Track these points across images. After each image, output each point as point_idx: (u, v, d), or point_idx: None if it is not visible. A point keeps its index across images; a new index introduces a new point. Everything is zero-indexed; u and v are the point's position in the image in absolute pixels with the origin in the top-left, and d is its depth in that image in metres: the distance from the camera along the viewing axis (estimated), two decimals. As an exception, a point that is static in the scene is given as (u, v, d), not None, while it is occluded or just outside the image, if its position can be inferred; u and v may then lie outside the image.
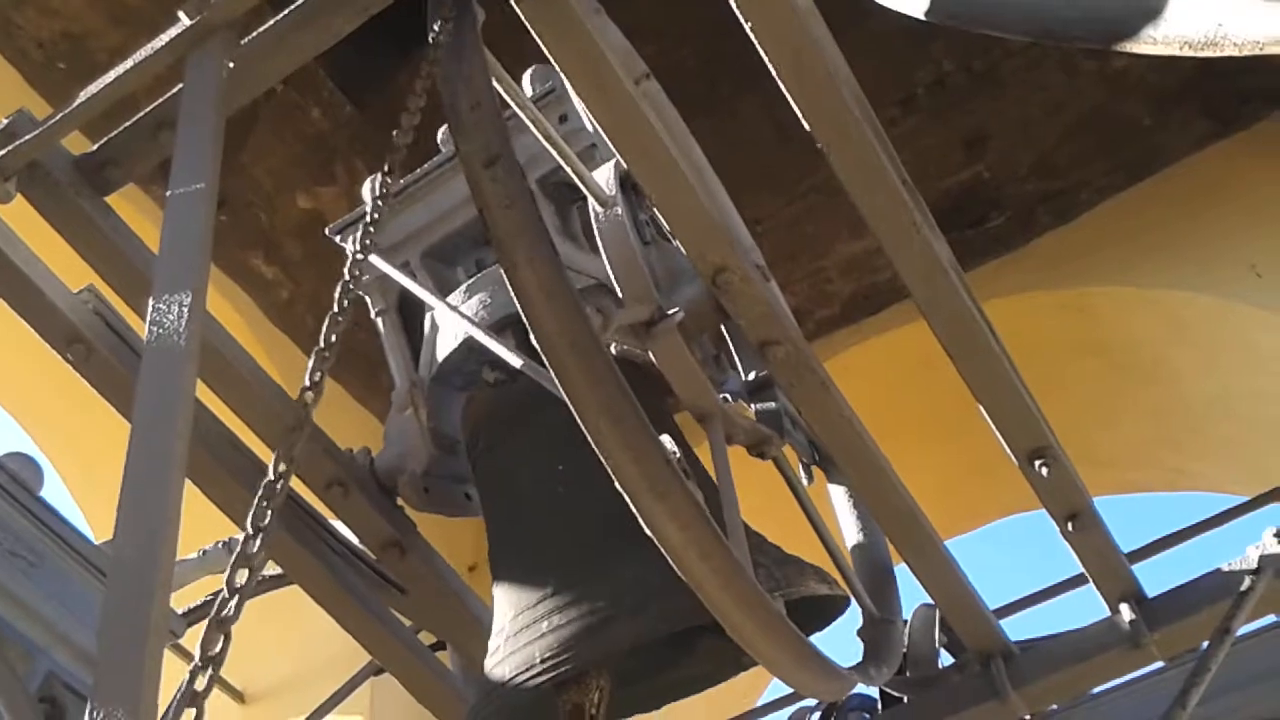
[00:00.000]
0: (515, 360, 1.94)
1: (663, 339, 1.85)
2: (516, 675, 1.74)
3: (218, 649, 1.01)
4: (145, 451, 1.18)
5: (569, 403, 1.51)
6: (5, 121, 1.87)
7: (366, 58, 4.94)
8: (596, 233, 2.03)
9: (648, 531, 1.50)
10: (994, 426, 2.08)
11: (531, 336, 1.53)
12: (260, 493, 1.14)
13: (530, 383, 2.04)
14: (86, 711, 1.01)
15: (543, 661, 1.72)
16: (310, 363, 1.28)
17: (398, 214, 2.31)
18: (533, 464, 2.01)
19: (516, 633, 1.81)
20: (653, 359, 1.89)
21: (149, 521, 1.13)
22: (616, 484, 1.49)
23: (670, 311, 1.89)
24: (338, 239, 2.36)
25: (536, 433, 2.02)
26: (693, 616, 1.59)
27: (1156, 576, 2.36)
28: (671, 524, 1.48)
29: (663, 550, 1.50)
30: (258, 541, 1.09)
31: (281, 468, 1.18)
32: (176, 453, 1.18)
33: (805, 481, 2.20)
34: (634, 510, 1.50)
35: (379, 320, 2.33)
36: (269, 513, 1.13)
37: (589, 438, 1.50)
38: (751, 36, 1.72)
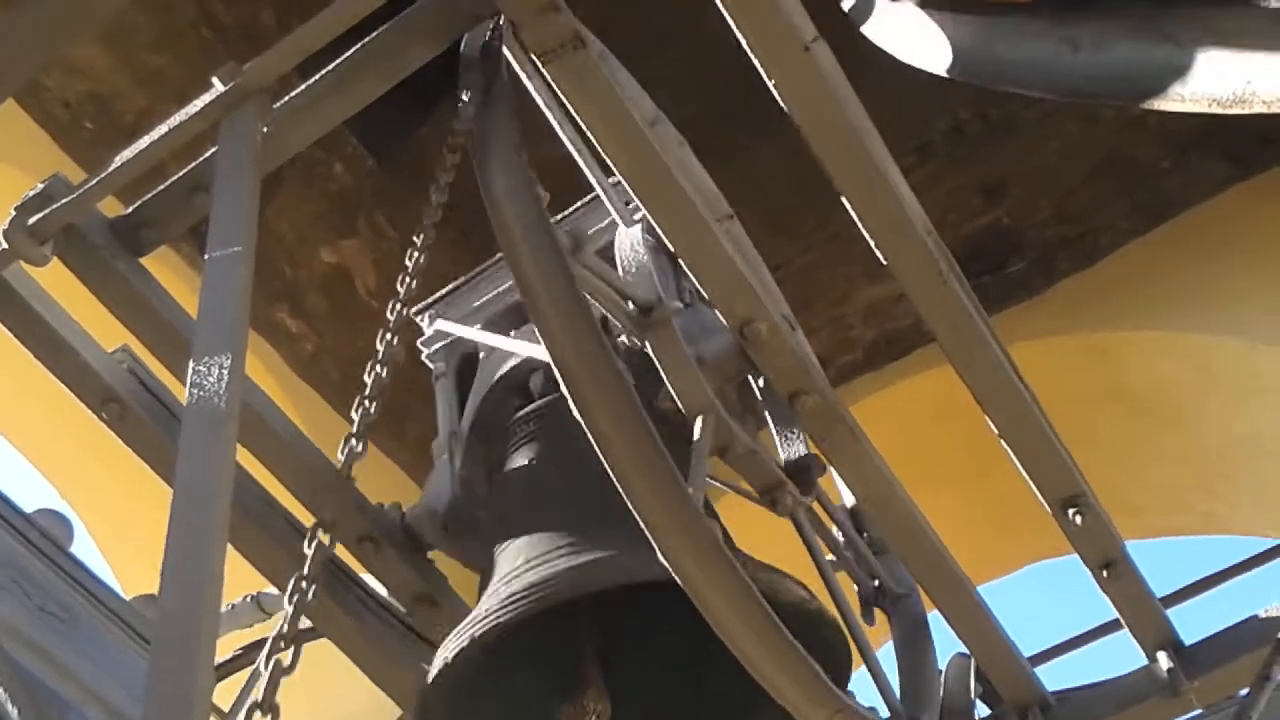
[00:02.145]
0: (532, 349, 1.97)
1: (659, 328, 1.83)
2: (491, 615, 1.73)
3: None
4: (188, 512, 1.20)
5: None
6: (41, 186, 1.90)
7: (388, 113, 5.01)
8: (615, 248, 2.09)
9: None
10: (1025, 474, 2.08)
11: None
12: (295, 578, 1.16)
13: (547, 408, 2.09)
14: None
15: (516, 597, 1.71)
16: (342, 456, 1.30)
17: (474, 286, 2.46)
18: (530, 476, 2.04)
19: (491, 593, 1.82)
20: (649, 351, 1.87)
21: (193, 581, 1.15)
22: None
23: (673, 304, 1.90)
24: (418, 319, 2.49)
25: (541, 452, 2.05)
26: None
27: (1190, 621, 2.34)
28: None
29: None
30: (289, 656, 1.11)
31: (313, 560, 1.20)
32: (219, 513, 1.19)
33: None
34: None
35: (437, 384, 2.39)
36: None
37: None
38: (774, 92, 1.75)
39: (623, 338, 1.90)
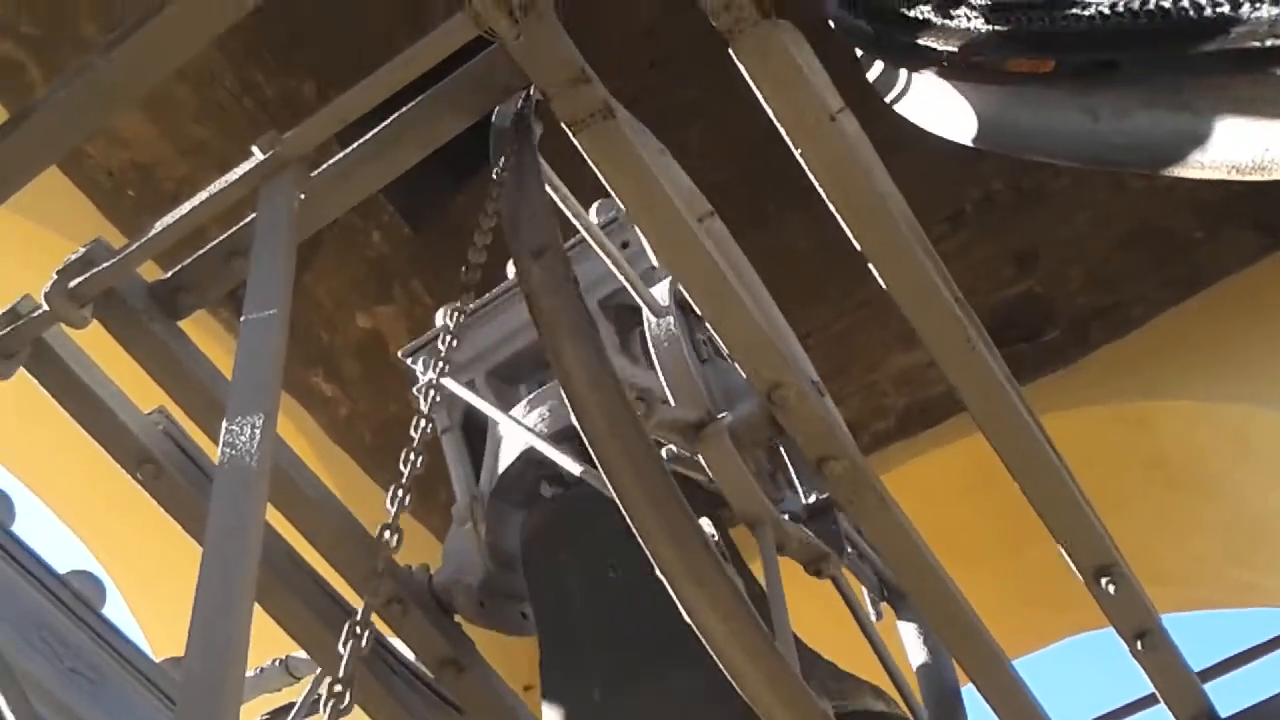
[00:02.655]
0: (574, 467, 1.97)
1: (712, 442, 1.85)
2: None
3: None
4: (216, 574, 1.20)
5: (610, 487, 1.50)
6: (83, 250, 1.94)
7: (425, 181, 5.09)
8: (649, 341, 2.09)
9: (693, 628, 1.47)
10: (1058, 544, 2.06)
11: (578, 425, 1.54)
12: (346, 637, 1.16)
13: (584, 497, 2.08)
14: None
15: None
16: (392, 507, 1.31)
17: (466, 335, 2.43)
18: (583, 575, 2.02)
19: None
20: (703, 464, 1.89)
21: (219, 645, 1.15)
22: (659, 575, 1.47)
23: (720, 416, 1.90)
24: (409, 361, 2.45)
25: (587, 544, 2.04)
26: None
27: (1227, 696, 2.30)
28: (713, 614, 1.45)
29: (707, 647, 1.47)
30: (348, 696, 1.12)
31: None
32: (247, 575, 1.20)
33: (873, 617, 2.18)
34: (677, 602, 1.47)
35: (444, 438, 2.38)
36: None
37: (630, 523, 1.48)
38: (802, 163, 1.77)
39: (670, 446, 1.91)
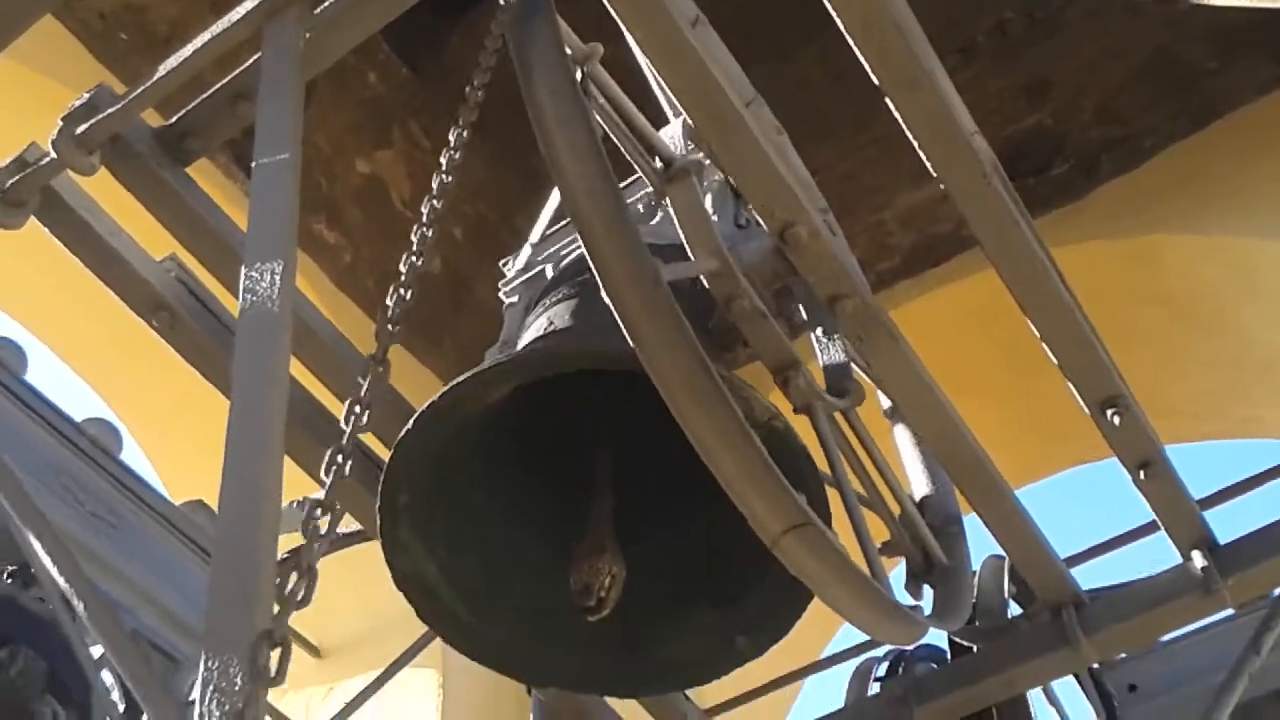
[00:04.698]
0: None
1: (678, 183, 1.81)
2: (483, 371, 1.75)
3: (302, 593, 1.07)
4: (246, 423, 1.22)
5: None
6: (86, 96, 1.91)
7: (421, 21, 4.97)
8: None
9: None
10: (1066, 376, 2.08)
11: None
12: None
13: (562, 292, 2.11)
14: (201, 670, 1.06)
15: (509, 360, 1.75)
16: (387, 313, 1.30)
17: (549, 239, 2.47)
18: (543, 327, 2.08)
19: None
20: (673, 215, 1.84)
21: (252, 491, 1.17)
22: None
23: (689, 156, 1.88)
24: (503, 266, 2.50)
25: (556, 307, 2.09)
26: None
27: (1228, 524, 2.36)
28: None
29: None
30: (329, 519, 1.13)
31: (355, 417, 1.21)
32: (276, 423, 1.22)
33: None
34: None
35: (508, 312, 2.40)
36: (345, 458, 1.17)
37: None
38: (820, -6, 1.72)
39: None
